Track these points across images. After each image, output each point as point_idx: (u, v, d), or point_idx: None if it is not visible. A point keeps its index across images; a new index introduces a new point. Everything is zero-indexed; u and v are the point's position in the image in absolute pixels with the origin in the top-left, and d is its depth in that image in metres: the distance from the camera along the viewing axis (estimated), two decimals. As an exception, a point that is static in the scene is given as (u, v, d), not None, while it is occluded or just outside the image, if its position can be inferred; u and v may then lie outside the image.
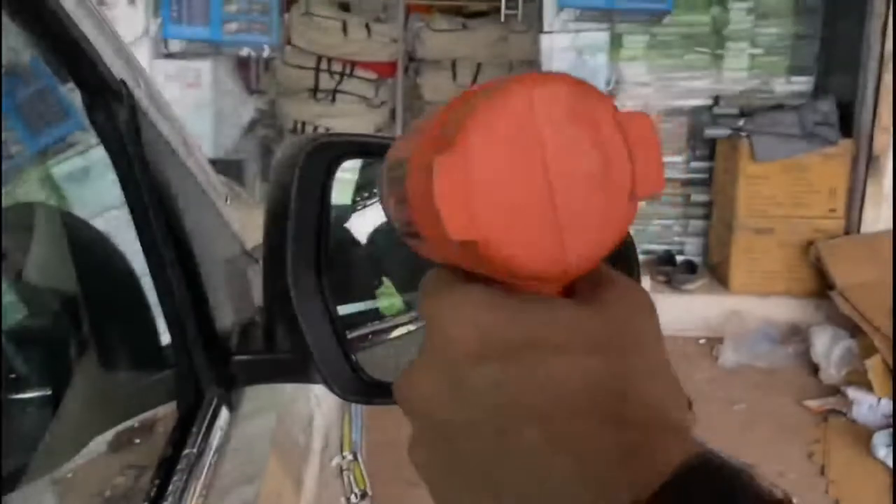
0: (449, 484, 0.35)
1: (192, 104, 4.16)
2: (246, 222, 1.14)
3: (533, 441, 0.32)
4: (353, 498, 1.26)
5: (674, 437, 0.33)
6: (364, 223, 1.13)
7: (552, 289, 0.35)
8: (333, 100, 5.04)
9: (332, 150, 0.78)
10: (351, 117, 5.01)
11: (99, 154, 1.18)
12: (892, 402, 3.43)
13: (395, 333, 0.94)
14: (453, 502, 0.36)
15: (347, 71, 5.03)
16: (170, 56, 4.51)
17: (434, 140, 0.33)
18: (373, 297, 0.96)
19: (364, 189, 1.24)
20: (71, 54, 0.67)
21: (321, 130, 4.93)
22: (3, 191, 1.04)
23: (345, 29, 4.97)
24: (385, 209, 0.41)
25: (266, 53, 4.75)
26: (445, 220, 0.32)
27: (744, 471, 0.32)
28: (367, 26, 5.01)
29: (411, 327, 0.95)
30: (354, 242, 1.04)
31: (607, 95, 0.34)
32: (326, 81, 5.02)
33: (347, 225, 1.03)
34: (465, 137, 0.32)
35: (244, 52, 4.67)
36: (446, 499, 0.36)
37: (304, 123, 5.02)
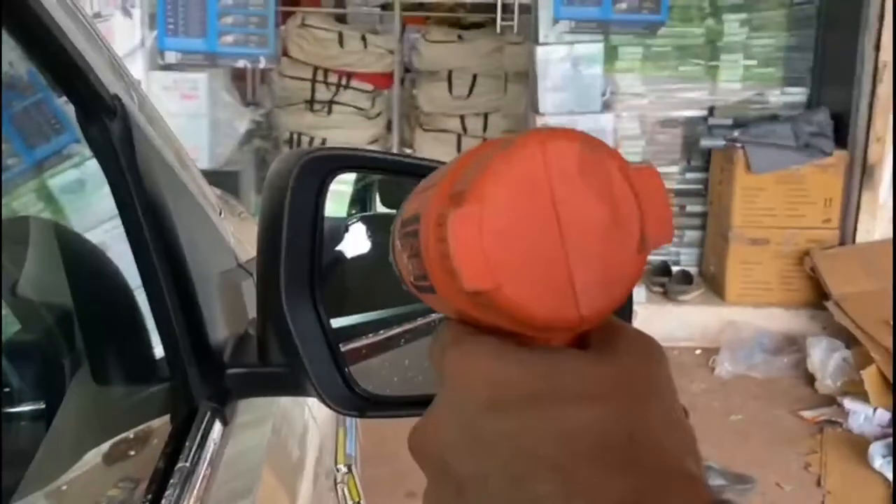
0: None
1: (188, 116, 4.17)
2: (240, 235, 1.15)
3: (547, 491, 0.32)
4: (347, 510, 1.26)
5: (690, 484, 0.33)
6: (358, 236, 1.13)
7: (562, 339, 0.36)
8: (330, 111, 5.05)
9: (325, 164, 0.78)
10: (347, 128, 5.02)
11: (95, 166, 1.18)
12: (886, 413, 3.43)
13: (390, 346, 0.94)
14: None
15: (344, 82, 5.05)
16: (166, 68, 4.51)
17: (447, 194, 0.35)
18: (366, 310, 0.96)
19: (358, 202, 1.25)
20: (65, 71, 0.68)
21: (317, 142, 4.93)
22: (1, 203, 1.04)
23: (341, 41, 4.99)
24: (397, 265, 0.42)
25: (262, 65, 4.76)
26: (460, 271, 0.32)
27: None
28: (363, 38, 5.02)
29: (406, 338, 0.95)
30: (348, 255, 1.04)
31: (616, 150, 0.35)
32: (323, 93, 5.03)
33: (341, 238, 1.03)
34: (479, 190, 0.33)
35: (240, 63, 4.67)
36: None
37: (300, 135, 5.03)
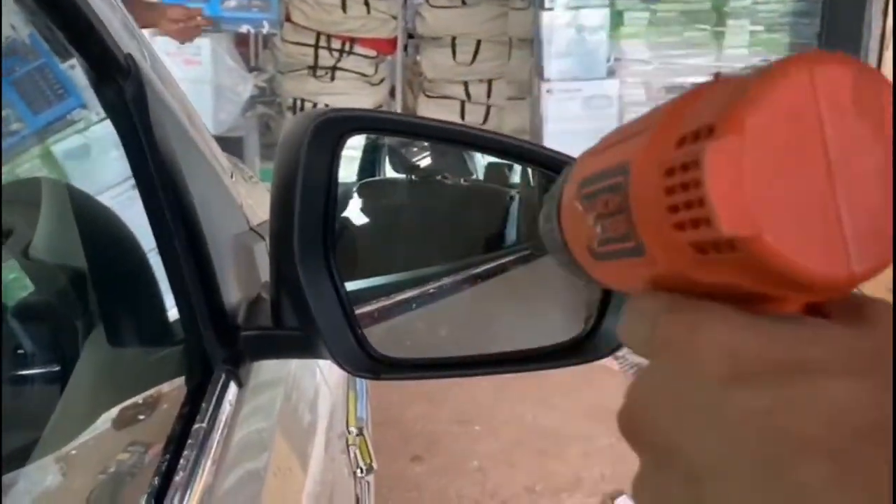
0: None
1: (191, 81, 4.14)
2: (251, 199, 1.14)
3: (817, 477, 0.27)
4: (359, 472, 1.27)
5: None
6: (369, 200, 1.13)
7: (796, 307, 0.31)
8: (333, 77, 5.02)
9: (339, 125, 0.78)
10: (350, 95, 5.00)
11: (99, 132, 1.17)
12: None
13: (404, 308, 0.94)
14: None
15: (347, 48, 5.01)
16: (168, 33, 4.48)
17: (675, 137, 0.30)
18: (380, 273, 0.96)
19: (368, 167, 1.25)
20: (79, 29, 0.67)
21: (321, 108, 4.91)
22: (5, 169, 1.03)
23: (344, 6, 4.94)
24: (562, 233, 0.38)
25: (266, 30, 4.73)
26: (719, 213, 0.28)
27: None
28: (366, 3, 4.98)
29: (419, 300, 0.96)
30: (359, 219, 1.04)
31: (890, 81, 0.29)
32: (326, 59, 5.00)
33: (354, 201, 1.03)
34: (740, 120, 0.28)
35: (243, 28, 4.64)
36: None
37: (303, 101, 5.00)
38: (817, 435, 0.27)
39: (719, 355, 0.30)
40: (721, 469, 0.29)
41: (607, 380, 3.71)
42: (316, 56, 4.99)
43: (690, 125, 0.29)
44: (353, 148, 0.86)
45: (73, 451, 0.78)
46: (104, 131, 0.83)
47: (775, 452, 0.28)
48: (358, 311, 0.81)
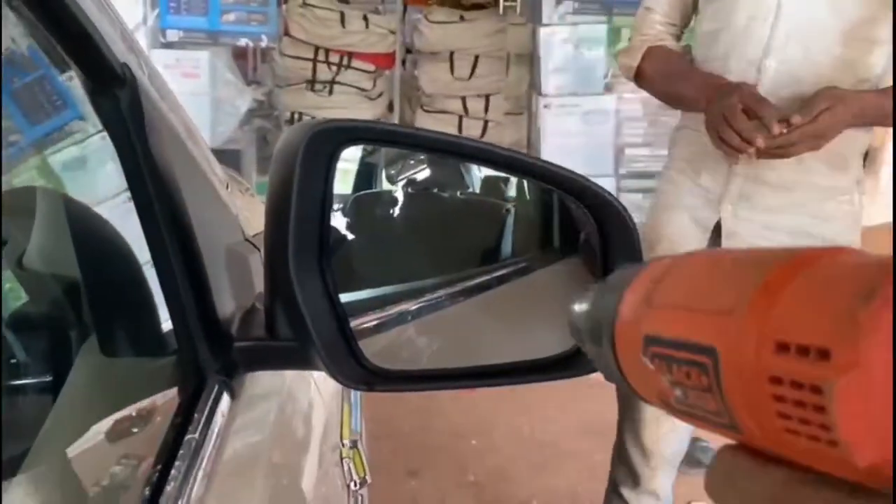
0: None
1: (189, 94, 4.15)
2: (246, 211, 1.14)
3: None
4: (352, 485, 1.26)
5: None
6: (364, 212, 1.13)
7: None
8: (331, 91, 5.03)
9: (336, 135, 0.78)
10: (348, 109, 5.00)
11: (96, 143, 1.17)
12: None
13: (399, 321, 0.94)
14: None
15: (345, 62, 5.02)
16: (167, 46, 4.50)
17: (774, 337, 0.30)
18: (375, 285, 0.96)
19: (363, 179, 1.25)
20: (75, 38, 0.67)
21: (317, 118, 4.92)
22: (3, 178, 1.03)
23: (342, 20, 4.96)
24: (618, 363, 0.38)
25: (265, 43, 4.75)
26: (852, 448, 0.29)
27: None
28: (364, 18, 5.00)
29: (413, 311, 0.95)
30: (357, 230, 1.04)
31: None
32: (324, 73, 5.01)
33: (349, 213, 1.03)
34: (865, 354, 0.28)
35: (242, 42, 4.66)
36: None
37: (301, 114, 5.01)
38: None
39: None
40: None
41: (604, 394, 3.70)
42: (314, 70, 5.00)
43: (792, 333, 0.30)
44: (349, 160, 0.86)
45: (65, 463, 0.78)
46: (101, 143, 0.83)
47: None
48: (353, 323, 0.81)
